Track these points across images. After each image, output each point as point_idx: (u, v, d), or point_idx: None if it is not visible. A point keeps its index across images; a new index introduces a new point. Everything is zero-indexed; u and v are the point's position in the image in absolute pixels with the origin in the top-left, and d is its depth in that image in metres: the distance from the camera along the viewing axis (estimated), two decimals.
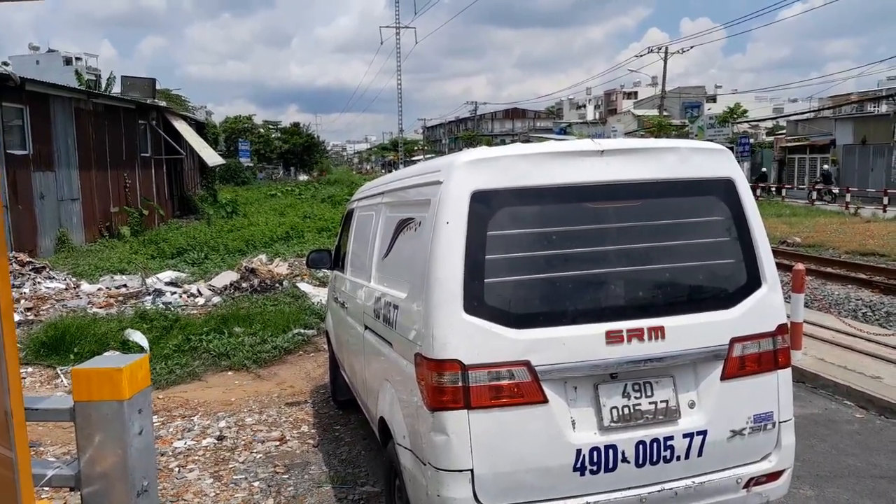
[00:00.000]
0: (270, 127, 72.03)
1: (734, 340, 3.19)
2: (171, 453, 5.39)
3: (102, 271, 13.47)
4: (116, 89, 31.27)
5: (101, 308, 10.31)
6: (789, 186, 37.12)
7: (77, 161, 18.85)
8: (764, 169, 39.83)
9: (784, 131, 46.16)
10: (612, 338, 3.00)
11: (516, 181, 3.07)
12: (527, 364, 2.93)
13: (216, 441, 5.63)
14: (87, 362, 2.87)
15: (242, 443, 5.58)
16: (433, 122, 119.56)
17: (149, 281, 12.06)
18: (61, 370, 7.53)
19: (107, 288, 11.89)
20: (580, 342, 2.98)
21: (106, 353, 7.25)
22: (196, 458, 5.31)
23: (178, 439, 5.68)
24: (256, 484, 4.82)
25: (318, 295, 10.52)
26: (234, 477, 4.94)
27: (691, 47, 55.74)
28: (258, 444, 5.55)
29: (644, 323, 3.04)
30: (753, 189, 32.90)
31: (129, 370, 2.51)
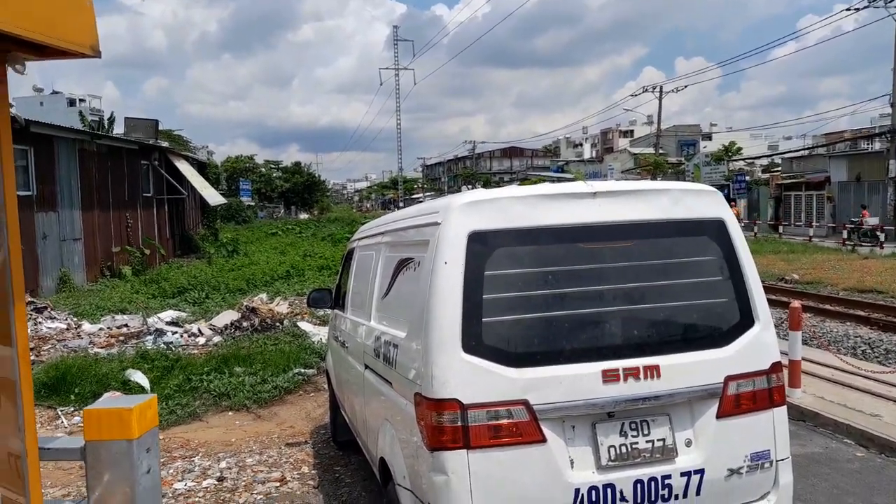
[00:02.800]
0: (272, 166, 72.77)
1: (728, 379, 3.23)
2: (171, 495, 5.37)
3: (104, 311, 13.50)
4: (118, 129, 31.69)
5: (102, 348, 10.33)
6: (786, 223, 37.36)
7: (80, 201, 19.04)
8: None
9: (779, 169, 46.62)
10: (609, 376, 3.04)
11: (512, 222, 3.15)
12: (525, 403, 2.97)
13: (216, 482, 5.61)
14: (96, 402, 2.92)
15: (243, 484, 5.57)
16: (432, 160, 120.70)
17: (150, 321, 12.09)
18: (61, 411, 7.52)
19: (108, 328, 11.91)
20: (577, 381, 3.02)
21: (106, 395, 7.25)
22: (196, 499, 5.30)
23: (179, 480, 5.66)
24: None
25: (319, 334, 10.54)
26: None
27: (686, 86, 56.60)
28: (258, 485, 5.53)
29: (640, 362, 3.10)
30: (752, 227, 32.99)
31: (138, 410, 2.56)
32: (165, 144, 29.65)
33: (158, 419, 2.76)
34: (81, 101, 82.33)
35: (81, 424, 3.79)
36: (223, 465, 5.99)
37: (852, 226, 29.87)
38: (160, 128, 33.17)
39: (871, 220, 29.43)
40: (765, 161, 53.16)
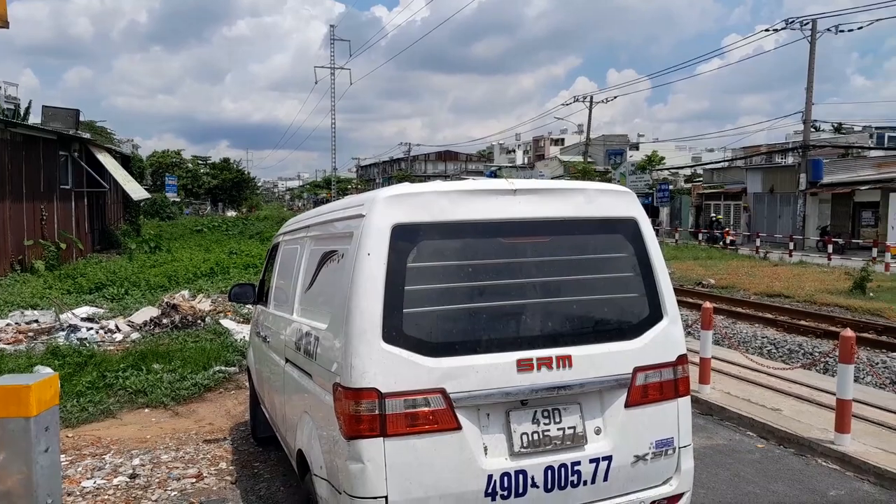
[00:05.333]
0: (199, 162, 70.68)
1: (637, 370, 3.39)
2: (78, 493, 5.17)
3: (12, 306, 12.82)
4: (34, 118, 30.06)
5: (8, 344, 9.82)
6: (706, 231, 38.99)
7: None
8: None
9: (701, 179, 48.65)
10: (523, 366, 3.14)
11: (435, 216, 3.21)
12: (442, 392, 3.03)
13: (128, 479, 5.44)
14: None
15: (157, 480, 5.42)
16: (367, 161, 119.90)
17: (63, 316, 11.57)
18: None
19: (16, 323, 11.33)
20: (493, 370, 3.11)
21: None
22: (105, 497, 5.12)
23: (88, 479, 5.46)
24: None
25: (241, 332, 10.34)
26: None
27: (616, 97, 58.27)
28: (173, 481, 5.40)
29: (553, 352, 3.21)
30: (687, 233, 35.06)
31: (37, 387, 2.47)
32: (87, 135, 28.33)
33: (60, 399, 2.67)
34: None
35: None
36: (136, 462, 5.81)
37: None
38: (82, 118, 31.66)
39: None
40: (688, 171, 55.35)
